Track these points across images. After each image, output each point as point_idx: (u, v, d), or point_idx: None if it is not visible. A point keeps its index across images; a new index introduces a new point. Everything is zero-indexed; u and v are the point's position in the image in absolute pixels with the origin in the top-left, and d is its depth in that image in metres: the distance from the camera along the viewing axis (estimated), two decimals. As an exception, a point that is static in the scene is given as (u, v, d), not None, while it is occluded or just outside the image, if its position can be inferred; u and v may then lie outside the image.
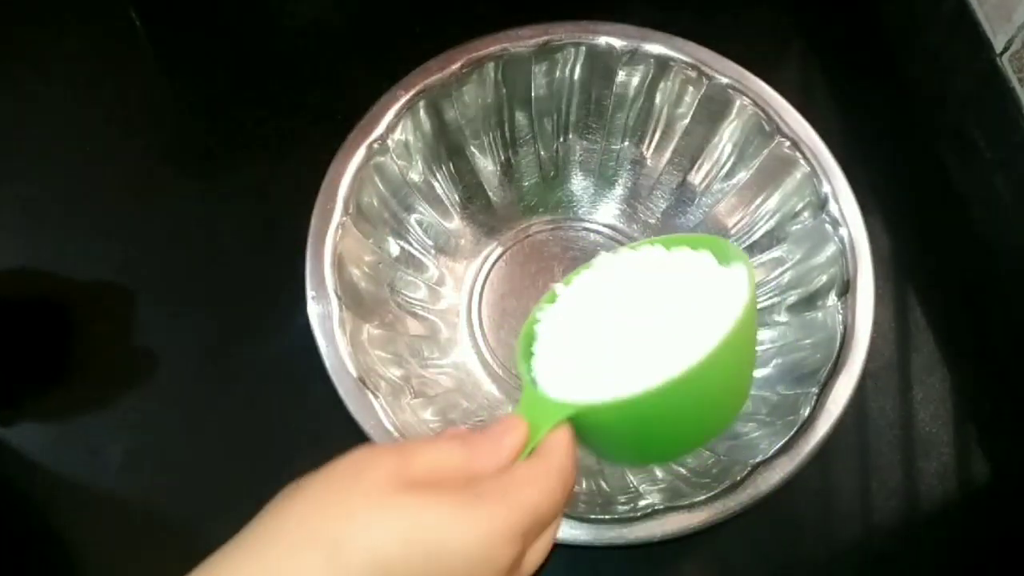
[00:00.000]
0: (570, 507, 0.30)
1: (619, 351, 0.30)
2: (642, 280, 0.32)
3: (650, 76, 0.50)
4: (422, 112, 0.48)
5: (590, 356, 0.30)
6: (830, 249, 0.46)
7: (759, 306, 0.49)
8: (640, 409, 0.28)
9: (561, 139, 0.54)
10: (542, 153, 0.54)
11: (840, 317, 0.44)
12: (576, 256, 0.52)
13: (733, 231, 0.51)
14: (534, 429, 0.29)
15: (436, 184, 0.51)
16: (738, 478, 0.40)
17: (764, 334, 0.48)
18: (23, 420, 0.48)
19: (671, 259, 0.32)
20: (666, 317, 0.30)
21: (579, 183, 0.54)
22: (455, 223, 0.52)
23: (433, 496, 0.25)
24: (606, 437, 0.31)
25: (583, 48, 0.49)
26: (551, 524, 0.28)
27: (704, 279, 0.31)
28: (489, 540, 0.25)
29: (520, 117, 0.52)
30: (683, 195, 0.53)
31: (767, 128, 0.48)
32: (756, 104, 0.48)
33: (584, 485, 0.44)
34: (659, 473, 0.44)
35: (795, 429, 0.41)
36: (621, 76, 0.50)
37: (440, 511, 0.25)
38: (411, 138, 0.48)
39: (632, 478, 0.44)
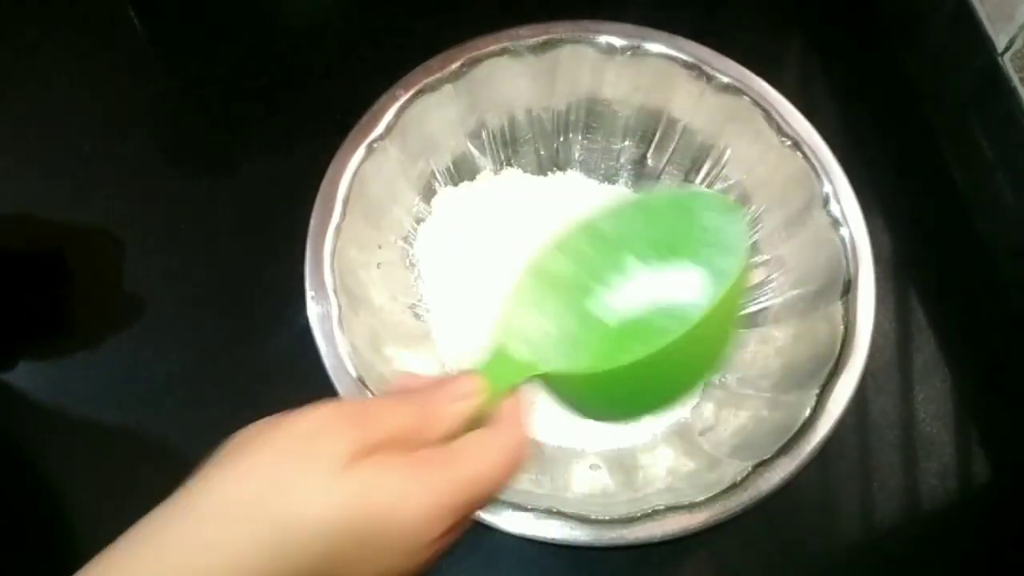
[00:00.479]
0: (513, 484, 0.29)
1: (600, 314, 0.29)
2: (634, 237, 0.31)
3: (650, 75, 0.50)
4: (422, 112, 0.48)
5: (569, 317, 0.29)
6: (830, 249, 0.46)
7: (760, 306, 0.49)
8: (607, 378, 0.28)
9: (561, 138, 0.53)
10: (542, 152, 0.54)
11: (841, 317, 0.44)
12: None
13: (733, 231, 0.51)
14: (495, 388, 0.28)
15: (436, 184, 0.51)
16: (738, 478, 0.40)
17: (765, 334, 0.48)
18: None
19: (665, 217, 0.31)
20: (652, 278, 0.29)
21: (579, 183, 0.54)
22: (455, 223, 0.52)
23: (386, 464, 0.25)
24: (577, 397, 0.30)
25: (583, 47, 0.49)
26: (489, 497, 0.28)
27: (698, 243, 0.30)
28: (428, 513, 0.25)
29: (520, 116, 0.52)
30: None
31: (767, 128, 0.48)
32: (757, 103, 0.48)
33: (586, 486, 0.44)
34: (659, 473, 0.44)
35: (795, 429, 0.41)
36: (621, 75, 0.50)
37: (393, 478, 0.25)
38: (411, 138, 0.48)
39: (634, 477, 0.44)
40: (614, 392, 0.29)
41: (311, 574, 0.24)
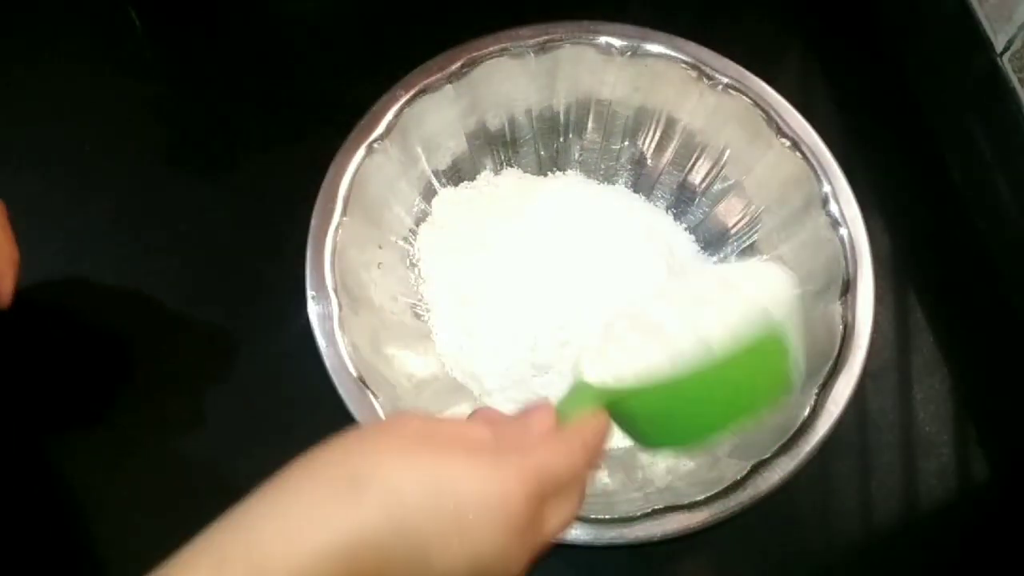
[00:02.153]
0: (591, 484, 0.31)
1: (661, 343, 0.31)
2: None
3: (650, 76, 0.50)
4: (422, 112, 0.48)
5: (636, 346, 0.32)
6: (830, 249, 0.46)
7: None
8: (671, 392, 0.30)
9: (561, 138, 0.54)
10: (542, 152, 0.54)
11: (840, 317, 0.44)
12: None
13: (733, 231, 0.51)
14: (571, 415, 0.30)
15: (436, 184, 0.51)
16: (738, 478, 0.40)
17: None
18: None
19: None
20: (707, 307, 0.32)
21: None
22: (455, 223, 0.52)
23: (454, 450, 0.26)
24: (644, 421, 0.32)
25: (583, 48, 0.49)
26: (573, 491, 0.29)
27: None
28: (503, 489, 0.26)
29: (520, 116, 0.52)
30: (683, 195, 0.53)
31: (767, 128, 0.48)
32: (756, 104, 0.48)
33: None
34: (659, 472, 0.44)
35: (795, 428, 0.41)
36: (621, 76, 0.50)
37: (457, 461, 0.26)
38: (411, 138, 0.48)
39: (634, 477, 0.44)
40: (678, 410, 0.32)
41: (406, 547, 0.25)
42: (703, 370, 0.30)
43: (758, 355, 0.31)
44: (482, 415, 0.31)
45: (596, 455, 0.30)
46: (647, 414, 0.31)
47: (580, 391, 0.31)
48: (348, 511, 0.25)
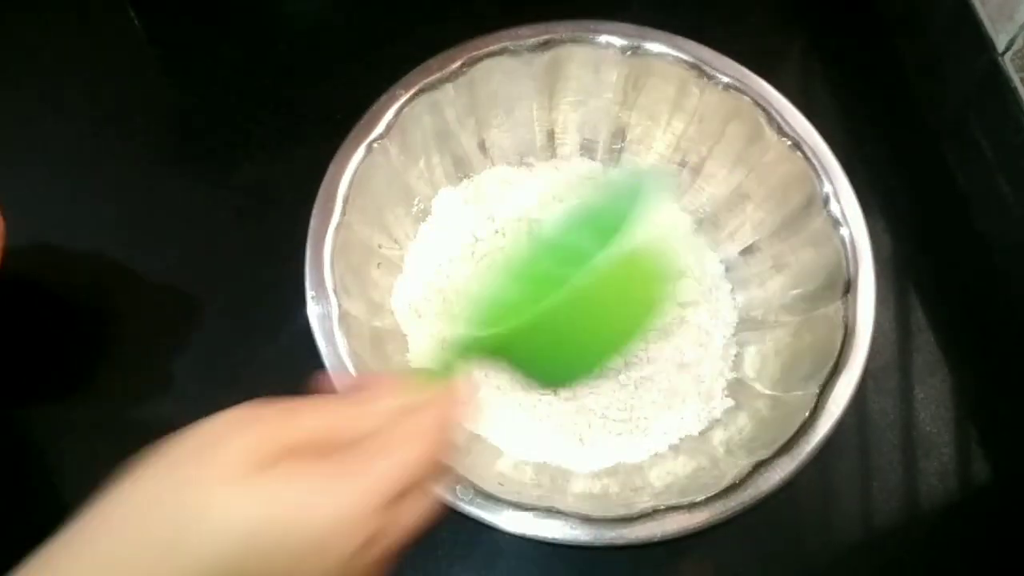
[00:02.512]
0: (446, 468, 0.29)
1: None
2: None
3: (650, 75, 0.50)
4: (422, 112, 0.48)
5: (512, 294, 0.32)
6: (830, 249, 0.46)
7: (761, 307, 0.49)
8: (549, 321, 0.29)
9: (561, 138, 0.53)
10: (541, 152, 0.54)
11: (841, 317, 0.44)
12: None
13: (733, 231, 0.51)
14: (437, 375, 0.29)
15: (436, 184, 0.51)
16: (738, 478, 0.40)
17: (765, 334, 0.48)
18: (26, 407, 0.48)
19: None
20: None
21: (579, 183, 0.54)
22: (455, 223, 0.52)
23: (291, 472, 0.24)
24: (531, 360, 0.31)
25: (583, 47, 0.49)
26: (424, 486, 0.27)
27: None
28: (350, 514, 0.24)
29: (520, 116, 0.52)
30: (682, 195, 0.53)
31: (767, 128, 0.48)
32: (757, 104, 0.48)
33: (586, 486, 0.44)
34: (659, 473, 0.44)
35: (795, 429, 0.41)
36: (621, 75, 0.50)
37: (298, 488, 0.24)
38: (411, 138, 0.48)
39: (633, 478, 0.44)
40: (548, 347, 0.31)
41: None
42: (577, 293, 0.29)
43: (632, 271, 0.30)
44: (340, 383, 0.29)
45: (443, 438, 0.27)
46: (532, 352, 0.31)
47: (445, 349, 0.30)
48: (171, 570, 0.22)
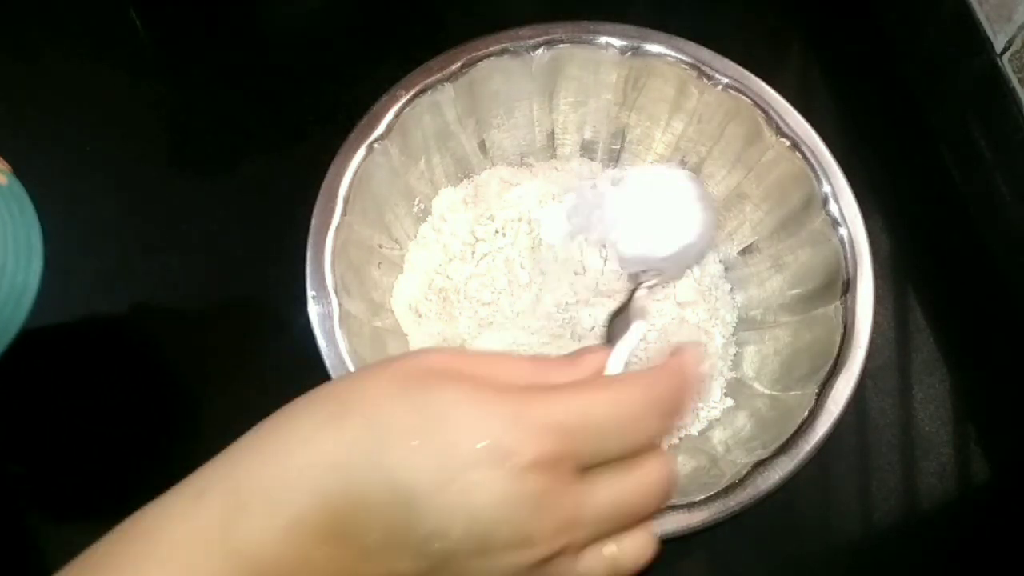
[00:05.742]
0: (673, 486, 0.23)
1: None
2: None
3: (650, 76, 0.50)
4: (422, 112, 0.48)
5: None
6: (829, 249, 0.46)
7: (760, 307, 0.49)
8: None
9: (560, 139, 0.53)
10: (541, 152, 0.54)
11: (840, 317, 0.44)
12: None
13: (732, 231, 0.51)
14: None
15: (436, 184, 0.51)
16: (737, 477, 0.40)
17: (764, 334, 0.48)
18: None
19: None
20: None
21: (579, 183, 0.54)
22: (455, 223, 0.52)
23: (461, 382, 0.21)
24: None
25: (583, 48, 0.49)
26: (639, 461, 0.22)
27: None
28: (504, 432, 0.20)
29: (520, 116, 0.52)
30: (683, 195, 0.53)
31: (767, 128, 0.48)
32: (756, 104, 0.48)
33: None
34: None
35: (795, 428, 0.41)
36: (621, 75, 0.50)
37: (458, 393, 0.21)
38: (411, 138, 0.48)
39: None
40: None
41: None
42: None
43: None
44: (532, 359, 0.25)
45: (671, 410, 0.22)
46: None
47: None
48: (327, 436, 0.22)
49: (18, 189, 0.41)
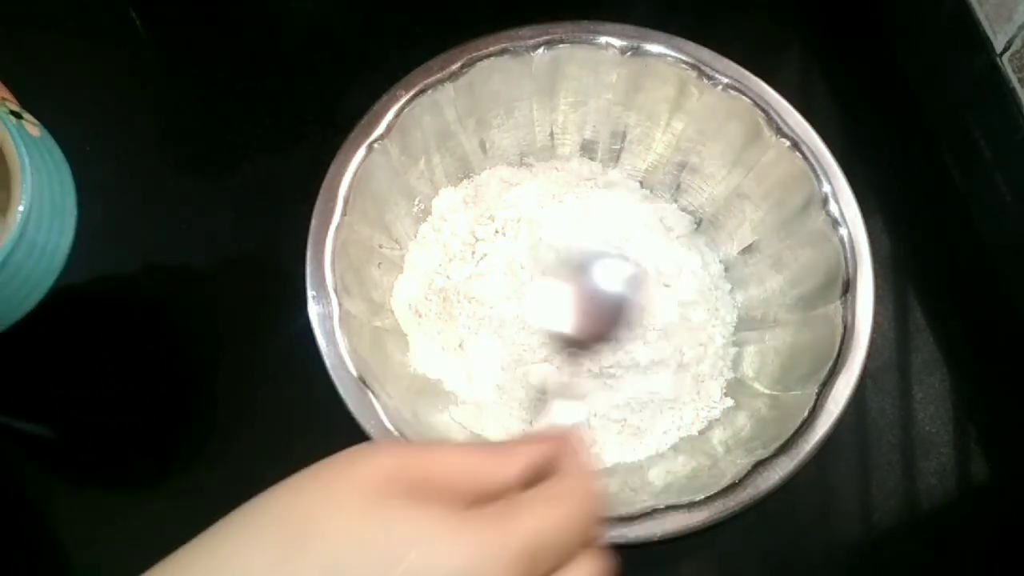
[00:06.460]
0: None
1: None
2: None
3: (650, 76, 0.50)
4: (422, 112, 0.48)
5: None
6: (830, 249, 0.46)
7: (760, 307, 0.49)
8: None
9: (560, 139, 0.53)
10: (541, 152, 0.54)
11: (840, 317, 0.44)
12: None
13: (732, 231, 0.51)
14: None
15: (436, 184, 0.51)
16: (737, 477, 0.40)
17: (764, 334, 0.48)
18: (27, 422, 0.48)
19: None
20: None
21: (579, 183, 0.54)
22: (455, 223, 0.52)
23: (421, 508, 0.22)
24: None
25: (583, 48, 0.49)
26: (575, 555, 0.24)
27: None
28: (476, 565, 0.22)
29: (520, 116, 0.52)
30: (682, 195, 0.53)
31: (767, 128, 0.48)
32: (756, 104, 0.48)
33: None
34: (659, 472, 0.44)
35: (795, 428, 0.41)
36: (621, 75, 0.50)
37: (422, 525, 0.22)
38: (411, 138, 0.48)
39: (632, 477, 0.44)
40: None
41: None
42: None
43: None
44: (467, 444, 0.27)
45: (592, 504, 0.25)
46: None
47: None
48: None
49: (50, 142, 0.42)
